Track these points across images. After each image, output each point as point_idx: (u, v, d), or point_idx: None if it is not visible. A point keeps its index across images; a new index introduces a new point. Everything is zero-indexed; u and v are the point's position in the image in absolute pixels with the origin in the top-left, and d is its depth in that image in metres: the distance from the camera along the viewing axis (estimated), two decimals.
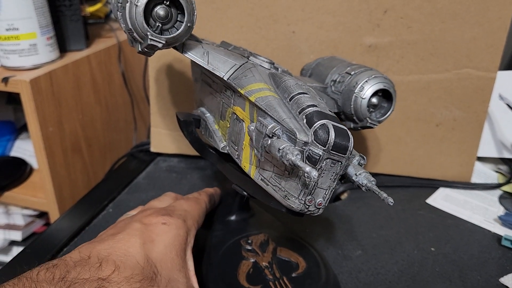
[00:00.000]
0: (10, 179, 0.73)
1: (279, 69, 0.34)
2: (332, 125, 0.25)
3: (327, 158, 0.25)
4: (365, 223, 0.48)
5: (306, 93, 0.28)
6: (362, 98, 0.35)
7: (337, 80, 0.38)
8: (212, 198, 0.42)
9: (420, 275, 0.40)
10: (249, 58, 0.34)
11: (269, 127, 0.25)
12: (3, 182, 0.72)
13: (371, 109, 0.36)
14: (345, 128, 0.25)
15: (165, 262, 0.30)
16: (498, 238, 0.45)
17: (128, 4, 0.27)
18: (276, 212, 0.46)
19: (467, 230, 0.47)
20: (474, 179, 0.56)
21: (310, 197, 0.26)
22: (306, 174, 0.22)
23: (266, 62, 0.34)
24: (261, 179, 0.29)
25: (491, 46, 0.48)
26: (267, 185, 0.28)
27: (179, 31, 0.29)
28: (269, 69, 0.33)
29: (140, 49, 0.30)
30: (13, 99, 0.85)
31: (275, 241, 0.40)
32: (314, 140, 0.24)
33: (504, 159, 0.60)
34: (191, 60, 0.33)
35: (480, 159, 0.61)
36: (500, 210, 0.51)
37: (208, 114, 0.38)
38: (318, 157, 0.25)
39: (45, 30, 0.64)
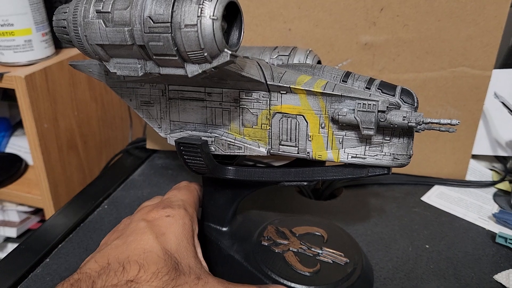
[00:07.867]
0: (5, 176, 0.73)
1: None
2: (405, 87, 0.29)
3: None
4: (360, 220, 0.48)
5: (350, 72, 0.31)
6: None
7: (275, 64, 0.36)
8: (201, 188, 0.40)
9: (415, 272, 0.40)
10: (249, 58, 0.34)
11: (380, 103, 0.28)
12: None
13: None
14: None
15: (181, 251, 0.30)
16: (492, 235, 0.45)
17: (202, 20, 0.23)
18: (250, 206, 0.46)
19: (461, 228, 0.47)
20: (469, 177, 0.56)
21: (411, 149, 0.30)
22: (444, 126, 0.27)
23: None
24: (352, 157, 0.31)
25: (487, 45, 0.48)
26: (365, 158, 0.30)
27: (242, 38, 0.27)
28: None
29: (201, 71, 0.26)
30: (8, 96, 0.84)
31: (284, 226, 0.40)
32: (405, 102, 0.28)
33: (498, 157, 0.60)
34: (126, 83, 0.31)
35: (474, 157, 0.61)
36: (495, 208, 0.51)
37: (210, 129, 0.35)
38: None
39: (41, 26, 0.64)
